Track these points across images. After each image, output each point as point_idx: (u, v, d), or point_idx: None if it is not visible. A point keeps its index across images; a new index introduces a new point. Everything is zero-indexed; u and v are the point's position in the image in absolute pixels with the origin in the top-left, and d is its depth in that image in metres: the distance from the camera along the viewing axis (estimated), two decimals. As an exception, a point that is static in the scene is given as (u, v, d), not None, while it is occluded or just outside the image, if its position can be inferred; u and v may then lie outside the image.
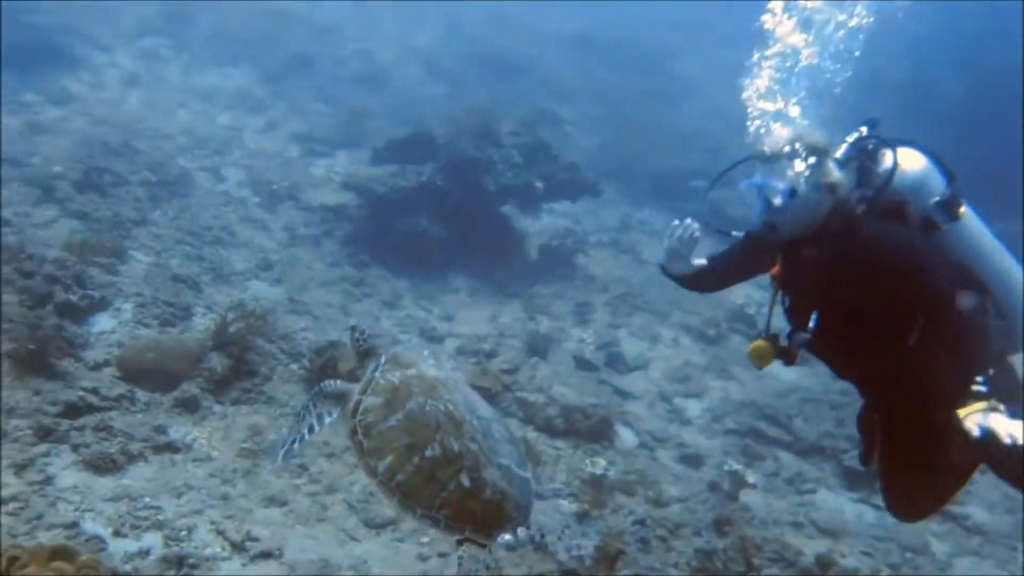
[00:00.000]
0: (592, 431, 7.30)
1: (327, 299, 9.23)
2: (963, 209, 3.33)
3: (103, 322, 6.93)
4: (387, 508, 3.44)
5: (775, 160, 3.38)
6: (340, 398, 3.38)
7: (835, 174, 3.34)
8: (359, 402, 3.27)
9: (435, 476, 3.05)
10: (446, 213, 10.77)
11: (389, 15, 22.68)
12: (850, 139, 3.47)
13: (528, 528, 3.11)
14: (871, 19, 3.80)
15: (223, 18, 18.46)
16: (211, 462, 5.64)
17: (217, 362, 6.55)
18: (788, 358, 3.61)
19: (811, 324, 3.46)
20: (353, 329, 3.62)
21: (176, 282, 8.05)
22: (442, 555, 5.30)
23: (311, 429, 3.34)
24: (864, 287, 3.30)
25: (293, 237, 10.58)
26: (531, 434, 7.14)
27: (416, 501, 3.03)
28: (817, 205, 3.35)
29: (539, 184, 10.98)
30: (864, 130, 3.51)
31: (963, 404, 3.08)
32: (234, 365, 6.64)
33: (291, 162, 12.99)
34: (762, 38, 3.76)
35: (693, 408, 8.59)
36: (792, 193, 3.32)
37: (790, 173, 3.34)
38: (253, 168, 12.14)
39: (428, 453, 3.08)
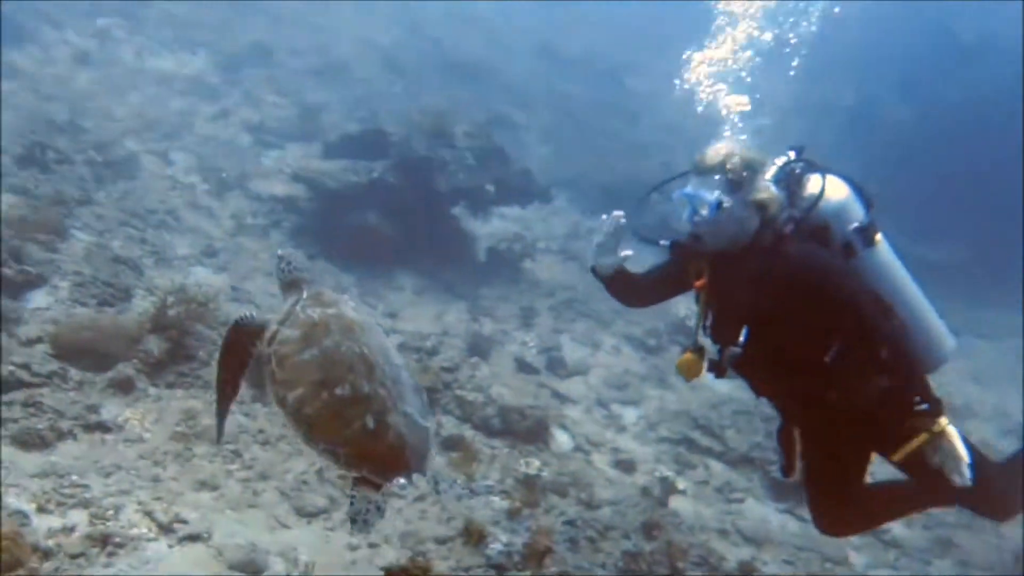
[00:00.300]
0: (528, 432, 7.35)
1: (271, 289, 9.16)
2: (879, 236, 3.50)
3: (39, 298, 6.83)
4: (291, 438, 3.44)
5: (708, 172, 3.49)
6: (261, 330, 3.38)
7: (770, 191, 3.48)
8: (276, 331, 3.31)
9: (342, 414, 3.11)
10: (396, 211, 10.77)
11: (351, 9, 22.61)
12: (778, 162, 3.60)
13: (423, 475, 3.21)
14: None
15: (181, 2, 18.28)
16: (142, 443, 5.57)
17: (154, 344, 6.46)
18: (718, 371, 3.70)
19: (740, 338, 3.54)
20: (280, 258, 3.67)
21: (117, 263, 7.92)
22: (372, 545, 5.31)
23: (241, 368, 3.43)
24: (786, 304, 3.40)
25: (240, 226, 10.50)
26: (468, 432, 7.16)
27: (320, 435, 3.11)
28: (744, 220, 3.47)
29: (490, 187, 11.04)
30: (792, 154, 3.65)
31: (912, 427, 3.30)
32: (172, 349, 6.56)
33: (242, 151, 12.89)
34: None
35: (629, 415, 8.69)
36: (719, 205, 3.42)
37: (720, 186, 3.44)
38: (203, 155, 12.01)
39: (338, 391, 3.15)
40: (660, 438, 8.31)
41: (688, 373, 3.80)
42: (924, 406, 3.28)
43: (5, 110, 10.76)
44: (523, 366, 8.94)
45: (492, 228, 12.29)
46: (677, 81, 4.19)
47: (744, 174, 3.44)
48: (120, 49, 15.54)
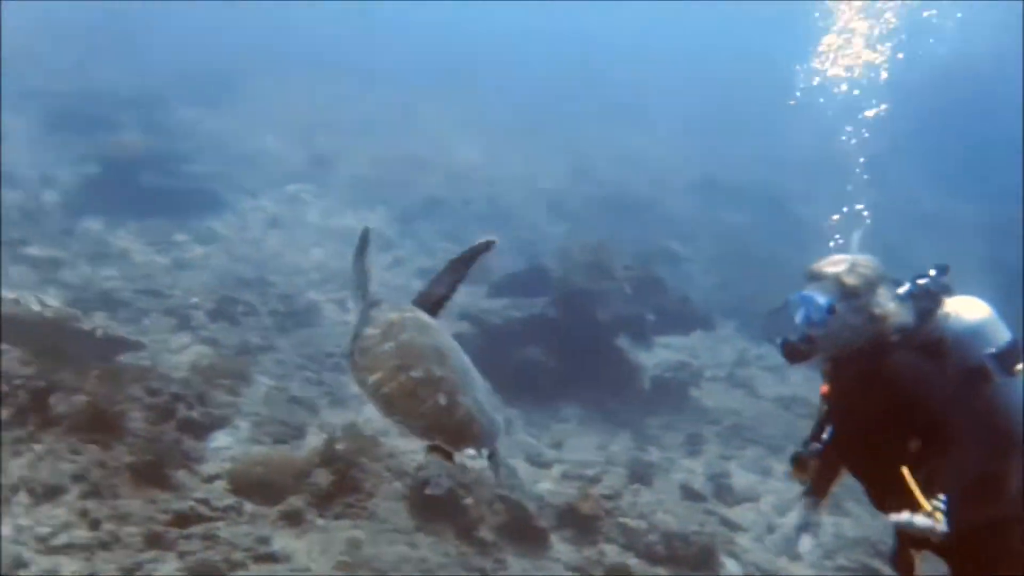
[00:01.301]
0: (694, 559, 7.09)
1: (437, 424, 9.42)
2: (1020, 365, 3.28)
3: (221, 438, 7.32)
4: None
5: (822, 279, 3.49)
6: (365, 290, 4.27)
7: (889, 305, 3.42)
8: (360, 331, 3.88)
9: (416, 393, 3.49)
10: (558, 344, 10.94)
11: (519, 159, 23.70)
12: (919, 280, 3.53)
13: (493, 452, 3.56)
14: None
15: (363, 164, 19.80)
16: (307, 572, 5.78)
17: (322, 478, 6.77)
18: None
19: (824, 436, 3.55)
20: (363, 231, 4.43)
21: (293, 403, 8.44)
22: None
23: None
24: (872, 411, 3.32)
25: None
26: (631, 560, 6.99)
27: (397, 410, 3.50)
28: (857, 328, 3.41)
29: (651, 316, 11.05)
30: (933, 273, 3.56)
31: None
32: (338, 481, 6.84)
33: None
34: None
35: (804, 542, 8.19)
36: (830, 309, 3.39)
37: (833, 291, 3.43)
38: (378, 300, 12.66)
39: (413, 374, 3.55)
40: (838, 567, 7.78)
41: (798, 473, 3.72)
42: None
43: (202, 271, 11.88)
44: (689, 493, 8.69)
45: (657, 358, 12.22)
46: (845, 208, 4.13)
47: (861, 283, 3.41)
48: (308, 211, 16.85)
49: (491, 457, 3.58)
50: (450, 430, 3.46)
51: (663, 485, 8.82)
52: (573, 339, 11.01)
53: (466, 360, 3.84)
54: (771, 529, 8.42)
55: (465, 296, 13.00)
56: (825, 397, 3.65)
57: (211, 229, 14.30)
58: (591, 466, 8.81)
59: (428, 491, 3.86)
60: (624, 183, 22.45)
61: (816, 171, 24.58)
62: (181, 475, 6.40)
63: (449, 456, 3.46)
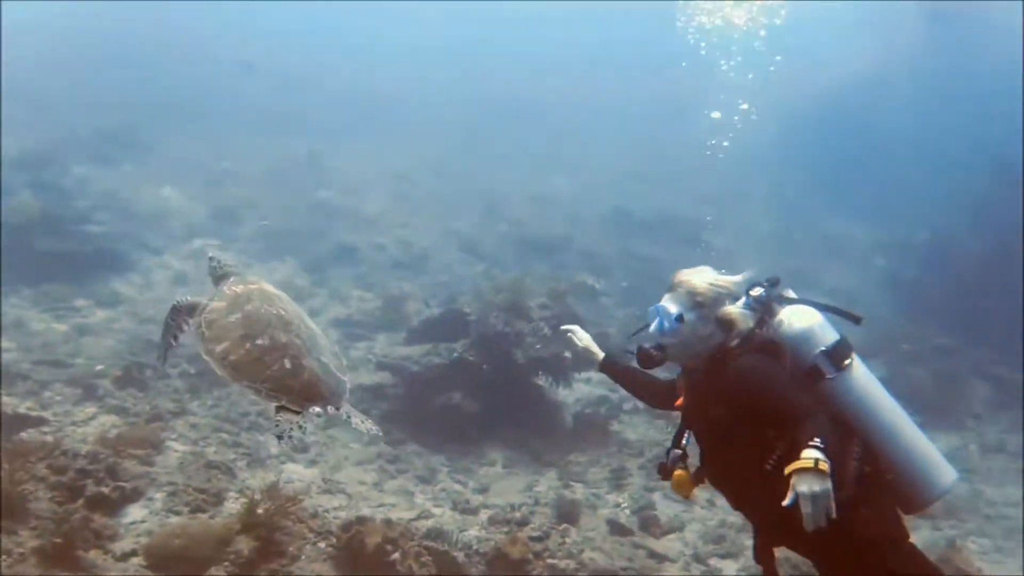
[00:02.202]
0: (626, 598, 7.06)
1: (362, 477, 9.26)
2: (848, 360, 3.56)
3: (134, 512, 7.03)
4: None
5: (676, 289, 3.79)
6: (194, 308, 4.28)
7: (733, 311, 3.69)
8: (206, 306, 4.19)
9: (262, 359, 3.86)
10: (479, 387, 10.88)
11: (432, 203, 23.70)
12: (753, 292, 3.78)
13: (338, 408, 3.99)
14: None
15: (271, 215, 19.51)
16: (232, 647, 5.56)
17: (244, 545, 6.55)
18: (694, 482, 3.85)
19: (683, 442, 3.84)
20: (211, 258, 4.62)
21: (210, 468, 8.16)
22: None
23: (175, 337, 4.36)
24: (728, 412, 3.52)
25: (330, 418, 10.67)
26: (563, 603, 6.92)
27: (243, 376, 3.83)
28: (707, 337, 3.70)
29: (568, 354, 11.07)
30: (765, 283, 3.81)
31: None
32: (261, 547, 6.63)
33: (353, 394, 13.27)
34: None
35: (729, 568, 8.27)
36: (679, 318, 3.69)
37: (684, 302, 3.72)
38: (292, 354, 12.41)
39: (259, 342, 3.91)
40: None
41: (680, 490, 3.83)
42: None
43: (106, 336, 11.49)
44: (616, 528, 8.67)
45: (577, 394, 12.27)
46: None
47: (709, 294, 3.70)
48: (213, 266, 16.45)
49: (346, 416, 4.06)
50: (296, 390, 3.83)
51: (591, 522, 8.80)
52: (493, 381, 10.96)
53: (312, 326, 4.21)
54: (698, 558, 8.45)
55: (383, 344, 12.91)
56: (683, 407, 3.91)
57: (114, 291, 13.86)
58: (518, 508, 8.74)
59: (281, 444, 3.75)
60: (536, 220, 22.64)
61: (726, 201, 25.38)
62: (93, 555, 6.15)
63: (297, 414, 3.82)
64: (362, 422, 4.20)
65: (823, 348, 3.56)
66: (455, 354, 11.00)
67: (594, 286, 16.62)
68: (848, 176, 30.64)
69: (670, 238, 22.31)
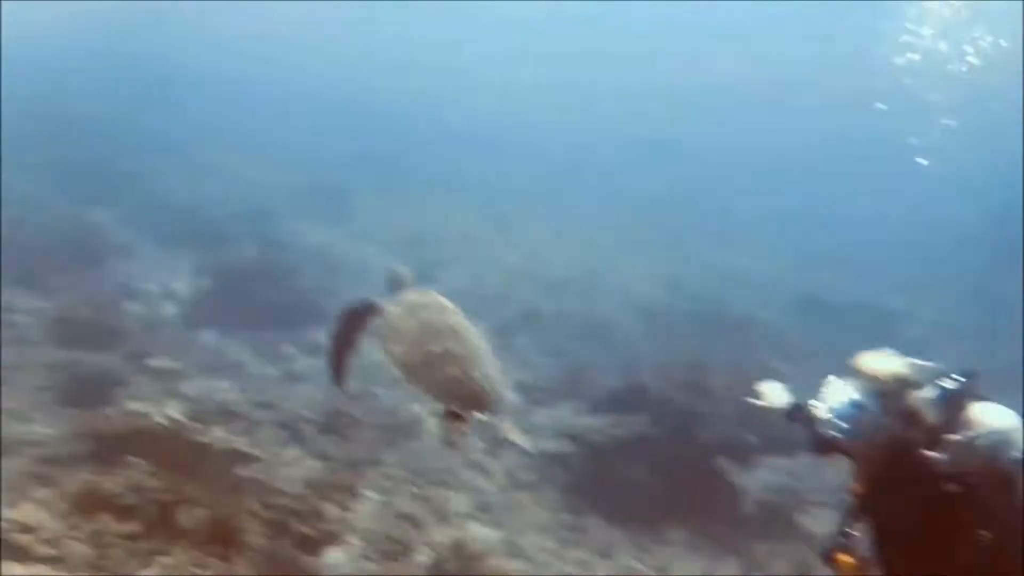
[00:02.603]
0: None
1: (543, 543, 9.39)
2: None
3: (334, 555, 7.42)
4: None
5: (861, 375, 3.73)
6: (372, 308, 4.79)
7: (918, 402, 3.56)
8: (388, 310, 4.60)
9: (435, 364, 4.21)
10: (660, 464, 10.85)
11: (615, 273, 23.90)
12: (945, 382, 3.59)
13: (500, 421, 4.27)
14: None
15: (463, 277, 20.26)
16: None
17: (433, 598, 6.82)
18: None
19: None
20: (389, 270, 5.07)
21: (400, 519, 8.52)
22: None
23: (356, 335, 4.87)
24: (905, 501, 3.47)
25: (513, 482, 10.93)
26: None
27: (418, 378, 4.24)
28: (883, 425, 3.58)
29: (752, 438, 10.89)
30: (960, 378, 3.62)
31: None
32: (449, 601, 6.88)
33: (514, 410, 13.56)
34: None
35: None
36: (859, 405, 3.65)
37: (865, 390, 3.67)
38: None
39: (433, 348, 4.23)
40: None
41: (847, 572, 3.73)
42: None
43: (309, 383, 12.26)
44: (799, 624, 8.40)
45: (759, 481, 11.97)
46: None
47: (891, 382, 3.59)
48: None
49: (505, 427, 4.35)
50: (464, 398, 4.16)
51: (773, 615, 8.56)
52: (674, 459, 10.89)
53: (479, 338, 4.49)
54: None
55: (566, 412, 13.08)
56: (855, 493, 3.79)
57: (316, 341, 14.73)
58: (698, 593, 8.64)
59: (444, 447, 4.40)
60: (719, 298, 22.39)
61: (921, 291, 24.21)
62: (299, 592, 6.52)
63: (463, 420, 4.18)
64: (520, 437, 4.52)
65: (1019, 455, 3.37)
66: (638, 428, 11.02)
67: (780, 370, 16.24)
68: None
69: (861, 325, 21.50)
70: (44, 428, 8.76)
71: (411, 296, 4.68)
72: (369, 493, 9.16)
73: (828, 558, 3.79)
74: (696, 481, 10.96)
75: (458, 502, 9.84)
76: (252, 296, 14.93)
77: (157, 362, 11.64)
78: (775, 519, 10.93)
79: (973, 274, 25.80)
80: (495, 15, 55.95)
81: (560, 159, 39.25)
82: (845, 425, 3.68)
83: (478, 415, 4.19)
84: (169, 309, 14.81)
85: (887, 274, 25.30)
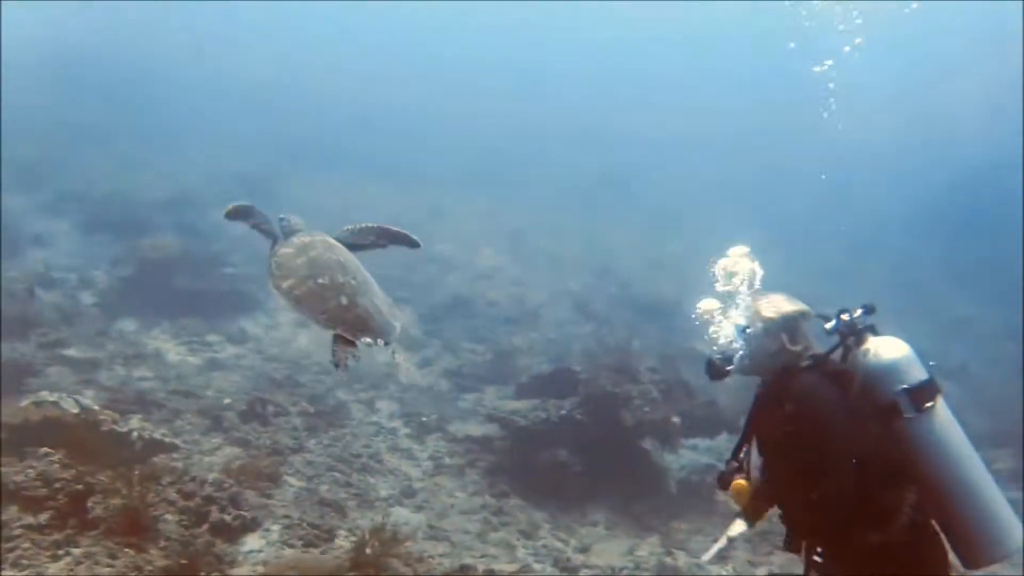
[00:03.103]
0: (725, 671, 6.99)
1: (466, 527, 9.44)
2: (931, 403, 3.43)
3: (253, 542, 7.38)
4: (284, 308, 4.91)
5: (750, 308, 3.87)
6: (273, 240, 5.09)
7: (806, 335, 3.75)
8: (278, 249, 4.93)
9: (322, 295, 4.61)
10: (585, 447, 10.96)
11: (545, 263, 24.02)
12: (844, 316, 3.73)
13: (387, 343, 4.68)
14: None
15: (390, 264, 20.14)
16: None
17: (352, 582, 6.81)
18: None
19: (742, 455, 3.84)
20: (281, 218, 5.21)
21: (323, 506, 8.51)
22: None
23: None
24: (780, 430, 3.53)
25: (438, 466, 10.97)
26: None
27: (306, 307, 4.62)
28: (772, 351, 3.73)
29: (676, 420, 11.08)
30: (858, 312, 3.75)
31: None
32: (368, 586, 6.88)
33: (441, 396, 13.64)
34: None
35: (708, 553, 8.06)
36: (743, 330, 3.80)
37: (753, 316, 3.80)
38: (405, 401, 12.83)
39: (320, 281, 4.65)
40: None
41: (739, 499, 3.84)
42: None
43: (233, 371, 12.08)
44: (718, 601, 8.60)
45: (683, 460, 12.18)
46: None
47: (776, 315, 3.74)
48: (336, 311, 17.08)
49: (393, 352, 4.81)
50: (349, 322, 4.56)
51: (693, 592, 8.75)
52: (599, 441, 11.02)
53: (366, 274, 4.94)
54: (803, 637, 8.27)
55: (493, 397, 13.15)
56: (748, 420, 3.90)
57: (242, 329, 14.56)
58: (619, 571, 8.76)
59: (335, 370, 4.51)
60: (648, 283, 22.66)
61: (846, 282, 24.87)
62: (214, 579, 6.46)
63: (351, 343, 4.53)
64: (407, 364, 5.08)
65: (906, 385, 3.45)
66: (563, 411, 11.12)
67: (705, 353, 16.52)
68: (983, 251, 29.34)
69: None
70: (-50, 420, 8.54)
71: (300, 238, 4.98)
72: (291, 480, 9.12)
73: (723, 483, 3.89)
74: (620, 462, 11.10)
75: (382, 487, 9.85)
76: (174, 285, 14.67)
77: (73, 352, 11.40)
78: (697, 498, 11.13)
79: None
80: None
81: (490, 148, 39.36)
82: (742, 353, 3.83)
83: (366, 340, 4.56)
84: (87, 298, 14.47)
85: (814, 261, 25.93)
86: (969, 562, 3.44)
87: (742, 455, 3.86)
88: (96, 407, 8.25)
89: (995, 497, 3.42)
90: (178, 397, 10.60)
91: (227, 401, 10.64)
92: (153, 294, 14.26)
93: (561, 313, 19.90)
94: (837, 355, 3.66)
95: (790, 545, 3.69)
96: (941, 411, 3.47)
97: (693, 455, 12.58)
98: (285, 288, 4.65)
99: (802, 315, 3.77)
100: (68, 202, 19.47)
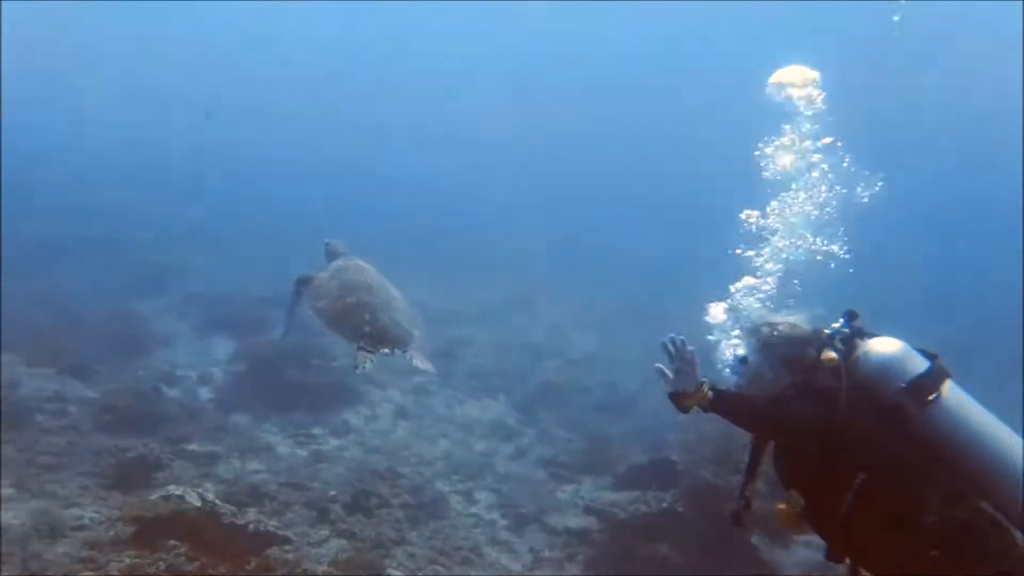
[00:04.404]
0: None
1: (568, 621, 9.53)
2: (933, 395, 3.35)
3: (363, 633, 7.66)
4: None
5: (751, 335, 4.01)
6: (311, 279, 6.14)
7: (800, 354, 3.79)
8: (315, 276, 6.11)
9: (349, 312, 5.59)
10: (687, 540, 10.86)
11: (636, 346, 24.08)
12: (827, 329, 3.81)
13: (404, 352, 5.61)
14: None
15: (484, 353, 20.62)
16: None
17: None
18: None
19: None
20: (326, 243, 6.49)
21: (428, 599, 8.75)
22: None
23: (295, 303, 6.27)
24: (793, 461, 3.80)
25: (537, 559, 11.10)
26: None
27: (335, 325, 5.61)
28: (771, 378, 3.82)
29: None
30: (841, 320, 3.80)
31: None
32: None
33: (538, 486, 13.79)
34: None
35: None
36: (743, 360, 3.93)
37: (753, 344, 3.92)
38: (502, 492, 13.04)
39: (348, 300, 5.62)
40: None
41: (786, 522, 3.97)
42: None
43: (337, 464, 12.54)
44: None
45: (795, 556, 11.97)
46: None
47: (778, 338, 3.81)
48: (432, 401, 17.51)
49: (411, 357, 5.63)
50: (369, 337, 5.45)
51: None
52: (702, 535, 10.92)
53: (393, 292, 5.92)
54: None
55: (590, 488, 13.26)
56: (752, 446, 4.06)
57: (345, 421, 15.07)
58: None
59: (356, 372, 5.43)
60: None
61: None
62: (329, 671, 6.75)
63: (371, 352, 5.40)
64: (422, 363, 5.78)
65: (903, 384, 3.38)
66: (664, 504, 11.11)
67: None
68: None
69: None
70: (91, 512, 9.17)
71: (336, 263, 6.08)
72: (395, 573, 9.40)
73: (735, 520, 4.23)
74: (724, 558, 10.93)
75: (483, 578, 10.04)
76: (283, 379, 15.35)
77: (195, 446, 12.06)
78: (808, 598, 10.93)
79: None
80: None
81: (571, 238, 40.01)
82: (739, 382, 3.99)
83: (384, 350, 5.48)
84: (205, 394, 15.31)
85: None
86: None
87: (748, 492, 4.13)
88: (216, 500, 8.73)
89: None
90: (287, 489, 11.07)
91: (332, 493, 11.04)
92: (264, 389, 14.98)
93: (656, 401, 19.81)
94: (830, 371, 3.60)
95: (831, 556, 3.83)
96: (952, 395, 3.37)
97: (807, 552, 12.33)
98: (319, 308, 5.66)
99: (803, 338, 3.81)
100: (190, 303, 20.85)
